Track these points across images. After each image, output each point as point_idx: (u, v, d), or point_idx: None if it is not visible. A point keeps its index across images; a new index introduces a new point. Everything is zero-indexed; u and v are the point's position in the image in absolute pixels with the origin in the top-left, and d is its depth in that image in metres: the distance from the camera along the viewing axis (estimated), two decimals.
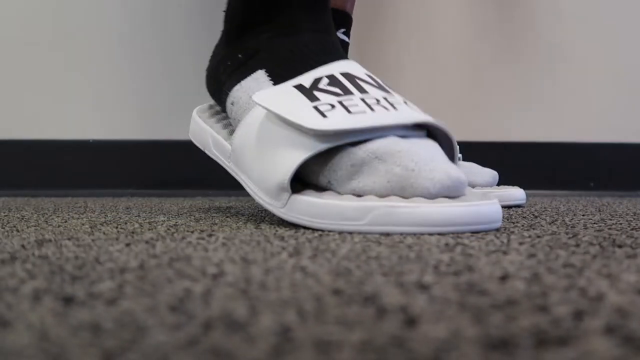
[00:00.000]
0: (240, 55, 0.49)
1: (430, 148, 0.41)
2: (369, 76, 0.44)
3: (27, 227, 0.43)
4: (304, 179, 0.43)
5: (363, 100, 0.41)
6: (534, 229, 0.41)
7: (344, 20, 0.72)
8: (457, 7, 1.03)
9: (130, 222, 0.46)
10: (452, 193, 0.38)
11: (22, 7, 1.02)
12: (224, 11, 0.52)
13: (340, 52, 0.48)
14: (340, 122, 0.39)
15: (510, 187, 0.66)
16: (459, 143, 0.73)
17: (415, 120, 0.42)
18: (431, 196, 0.38)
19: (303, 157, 0.40)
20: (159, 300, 0.20)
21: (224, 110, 0.51)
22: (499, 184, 0.68)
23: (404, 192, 0.38)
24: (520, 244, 0.34)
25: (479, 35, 1.03)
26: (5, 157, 1.00)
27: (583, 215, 0.52)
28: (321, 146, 0.40)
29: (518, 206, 0.65)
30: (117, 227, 0.42)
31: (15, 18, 1.03)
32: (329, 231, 0.39)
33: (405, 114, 0.42)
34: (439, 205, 0.37)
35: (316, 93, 0.42)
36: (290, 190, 0.41)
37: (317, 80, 0.43)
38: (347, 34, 0.73)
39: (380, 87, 0.43)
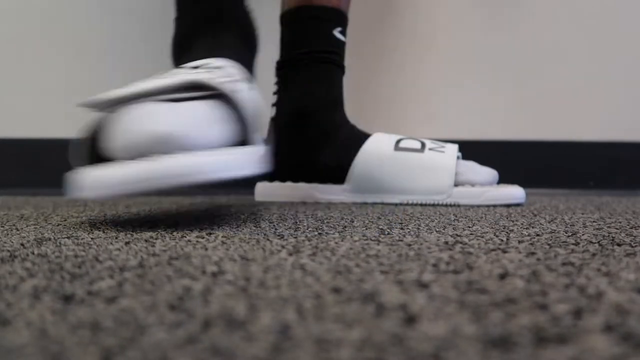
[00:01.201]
0: None
1: (166, 109, 0.39)
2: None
3: (27, 226, 0.43)
4: None
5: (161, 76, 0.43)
6: (533, 227, 0.41)
7: (339, 18, 0.73)
8: (456, 6, 1.03)
9: (130, 221, 0.46)
10: (140, 153, 0.36)
11: (25, 6, 1.02)
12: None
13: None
14: (105, 94, 0.42)
15: (510, 185, 0.66)
16: (459, 142, 0.73)
17: (167, 84, 0.41)
18: (120, 158, 0.37)
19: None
20: (159, 298, 0.20)
21: None
22: (498, 183, 0.68)
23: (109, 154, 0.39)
24: (520, 242, 0.34)
25: (479, 34, 1.03)
26: (5, 156, 1.00)
27: (582, 214, 0.52)
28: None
29: (517, 205, 0.65)
30: (116, 226, 0.42)
31: (17, 18, 1.02)
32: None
33: (169, 79, 0.42)
34: (102, 169, 0.36)
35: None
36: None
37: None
38: (343, 32, 0.73)
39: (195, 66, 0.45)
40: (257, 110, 0.44)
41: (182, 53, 0.53)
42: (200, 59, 0.48)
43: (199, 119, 0.39)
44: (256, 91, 0.46)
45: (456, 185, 0.66)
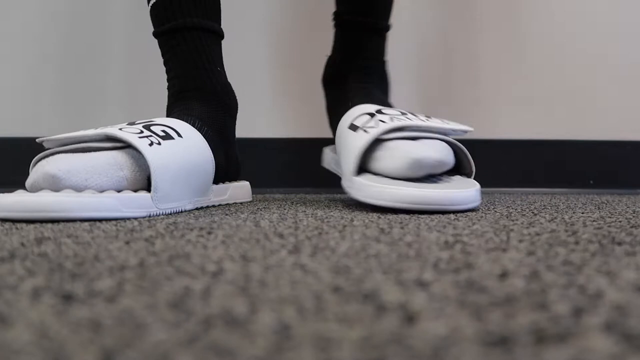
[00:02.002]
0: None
1: (67, 156, 0.48)
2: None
3: (27, 225, 0.43)
4: None
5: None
6: (533, 226, 0.41)
7: None
8: (457, 5, 1.03)
9: (130, 220, 0.46)
10: (36, 188, 0.47)
11: (24, 6, 1.02)
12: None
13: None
14: (51, 137, 0.52)
15: (448, 182, 0.53)
16: (460, 141, 0.73)
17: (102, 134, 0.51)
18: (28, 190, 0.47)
19: None
20: (159, 297, 0.20)
21: None
22: (455, 173, 0.57)
23: None
24: (520, 241, 0.34)
25: (480, 33, 1.03)
26: (5, 155, 1.00)
27: (582, 213, 0.52)
28: None
29: (451, 212, 0.50)
30: (116, 225, 0.42)
31: (17, 17, 1.02)
32: None
33: (91, 131, 0.51)
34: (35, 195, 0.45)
35: None
36: None
37: None
38: None
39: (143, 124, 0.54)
40: (163, 164, 0.50)
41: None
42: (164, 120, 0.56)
43: (91, 165, 0.48)
44: (173, 149, 0.53)
45: (367, 171, 0.54)
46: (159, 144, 0.51)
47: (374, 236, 0.35)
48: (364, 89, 0.68)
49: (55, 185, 0.46)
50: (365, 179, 0.53)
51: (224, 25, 0.67)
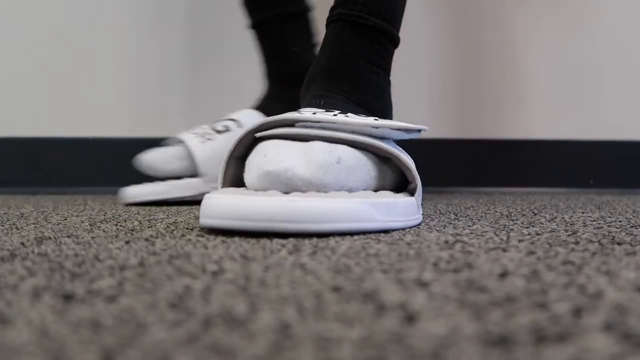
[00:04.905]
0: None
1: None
2: None
3: (27, 225, 0.43)
4: None
5: None
6: (533, 226, 0.41)
7: None
8: (459, 5, 1.03)
9: (130, 220, 0.46)
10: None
11: (24, 6, 1.02)
12: None
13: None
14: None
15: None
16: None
17: None
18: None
19: None
20: (159, 297, 0.20)
21: None
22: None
23: None
24: (520, 241, 0.34)
25: (481, 33, 1.03)
26: (5, 155, 1.00)
27: (582, 213, 0.52)
28: None
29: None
30: (116, 225, 0.42)
31: (17, 17, 1.02)
32: None
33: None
34: None
35: None
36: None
37: None
38: None
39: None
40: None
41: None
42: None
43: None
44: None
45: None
46: None
47: (374, 236, 0.35)
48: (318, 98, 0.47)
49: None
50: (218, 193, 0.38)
51: None
